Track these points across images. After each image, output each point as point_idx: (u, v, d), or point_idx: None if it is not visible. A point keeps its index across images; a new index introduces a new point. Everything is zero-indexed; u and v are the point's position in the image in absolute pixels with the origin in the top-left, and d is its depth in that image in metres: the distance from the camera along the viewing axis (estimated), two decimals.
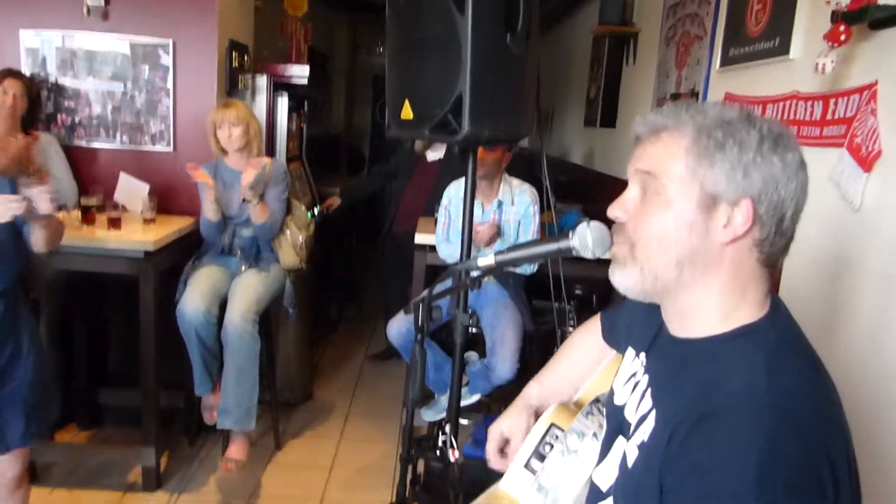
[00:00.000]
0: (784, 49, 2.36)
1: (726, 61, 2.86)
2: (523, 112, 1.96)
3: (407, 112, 1.95)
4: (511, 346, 2.90)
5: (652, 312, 1.07)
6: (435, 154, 4.28)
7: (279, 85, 3.83)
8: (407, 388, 1.68)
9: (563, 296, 2.70)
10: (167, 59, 3.28)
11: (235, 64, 3.51)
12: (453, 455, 2.13)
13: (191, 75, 3.32)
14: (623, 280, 1.00)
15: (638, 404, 1.03)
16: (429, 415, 3.30)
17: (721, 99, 2.84)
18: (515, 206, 3.11)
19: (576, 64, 5.95)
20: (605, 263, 1.05)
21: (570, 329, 3.07)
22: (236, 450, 2.93)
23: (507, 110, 1.89)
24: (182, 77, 3.32)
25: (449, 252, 3.11)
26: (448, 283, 1.55)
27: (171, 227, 3.01)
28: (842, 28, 1.85)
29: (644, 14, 4.26)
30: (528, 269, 3.08)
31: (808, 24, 2.25)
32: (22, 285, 2.15)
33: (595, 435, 1.15)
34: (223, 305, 2.91)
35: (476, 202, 2.53)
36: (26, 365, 2.11)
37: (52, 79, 3.28)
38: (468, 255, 2.18)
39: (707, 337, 0.95)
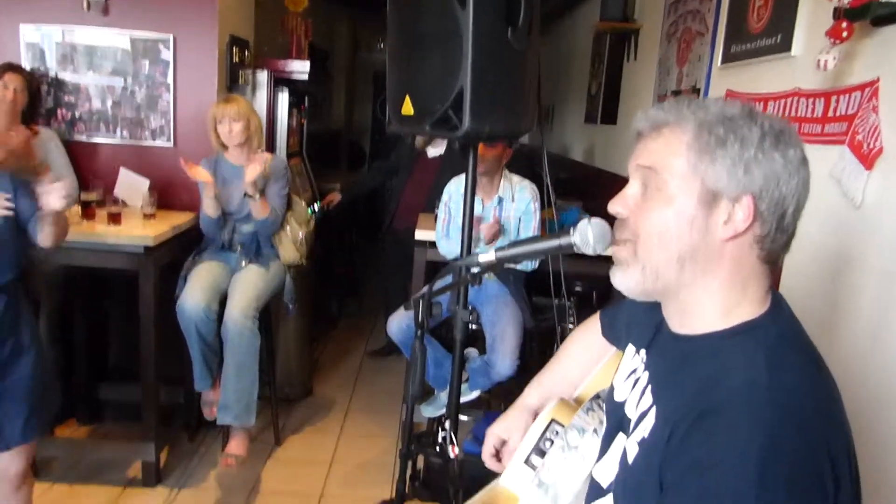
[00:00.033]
0: (786, 46, 2.35)
1: (728, 58, 2.85)
2: (524, 108, 1.96)
3: (408, 108, 1.95)
4: (511, 343, 2.90)
5: (652, 309, 1.07)
6: (435, 150, 4.28)
7: (280, 80, 3.82)
8: (407, 384, 1.69)
9: (563, 292, 2.70)
10: (167, 54, 3.28)
11: (236, 59, 3.51)
12: (453, 451, 2.13)
13: (191, 70, 3.32)
14: (625, 281, 1.00)
15: (638, 401, 1.03)
16: (428, 411, 3.30)
17: (722, 96, 2.84)
18: (516, 203, 3.10)
19: (577, 60, 5.94)
20: (606, 260, 1.05)
21: (571, 326, 3.07)
22: (236, 445, 2.93)
23: (508, 106, 1.89)
24: (182, 72, 3.31)
25: (449, 248, 3.11)
26: (448, 279, 1.55)
27: (171, 223, 3.01)
28: (844, 25, 1.85)
29: (645, 10, 4.25)
30: (530, 265, 3.08)
31: (810, 21, 2.25)
32: (22, 281, 2.15)
33: (595, 431, 1.15)
34: (223, 301, 2.91)
35: (476, 198, 2.52)
36: (27, 361, 2.11)
37: (52, 73, 3.28)
38: (468, 252, 2.18)
39: (708, 333, 0.95)
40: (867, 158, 1.84)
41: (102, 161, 3.35)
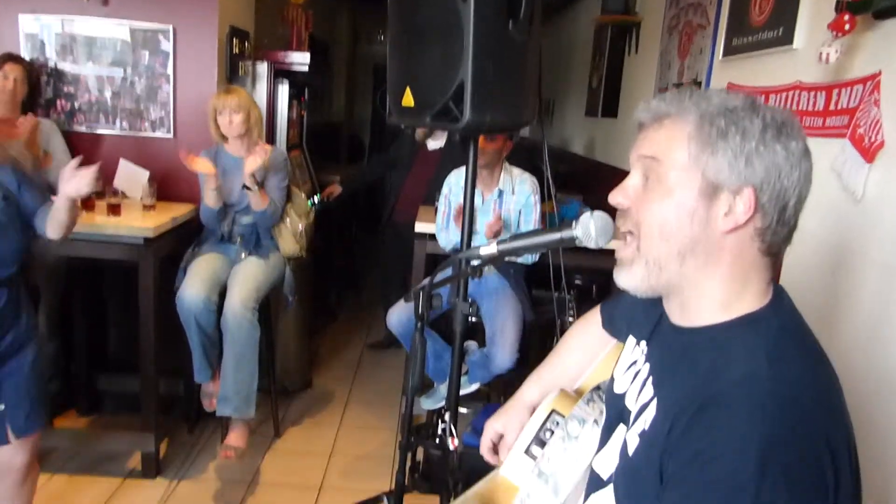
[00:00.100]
0: (788, 39, 2.34)
1: (729, 51, 2.84)
2: (525, 100, 1.95)
3: (408, 99, 1.94)
4: (511, 336, 2.90)
5: (653, 301, 1.06)
6: (435, 143, 4.27)
7: (280, 72, 3.81)
8: (406, 376, 1.69)
9: (563, 286, 2.70)
10: (167, 45, 3.27)
11: (236, 50, 3.49)
12: (452, 443, 2.13)
13: (191, 61, 3.31)
14: (630, 279, 0.99)
15: (639, 393, 1.03)
16: (428, 403, 3.30)
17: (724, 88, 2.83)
18: (516, 196, 3.10)
19: (577, 53, 5.93)
20: (606, 253, 1.04)
21: (570, 319, 3.07)
22: (236, 437, 2.93)
23: (509, 98, 1.88)
24: (182, 63, 3.30)
25: (448, 241, 3.10)
26: (449, 271, 1.55)
27: (170, 214, 3.00)
28: (846, 17, 1.84)
29: (646, 3, 4.24)
30: (530, 258, 3.07)
31: (812, 14, 2.24)
32: (23, 273, 2.15)
33: (596, 422, 1.15)
34: (223, 293, 2.90)
35: (476, 191, 2.52)
36: (27, 353, 2.11)
37: (51, 64, 3.27)
38: (468, 244, 2.18)
39: (709, 326, 0.95)
40: (868, 152, 1.84)
41: (102, 152, 3.33)
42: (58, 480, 2.88)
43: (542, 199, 3.10)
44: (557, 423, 1.20)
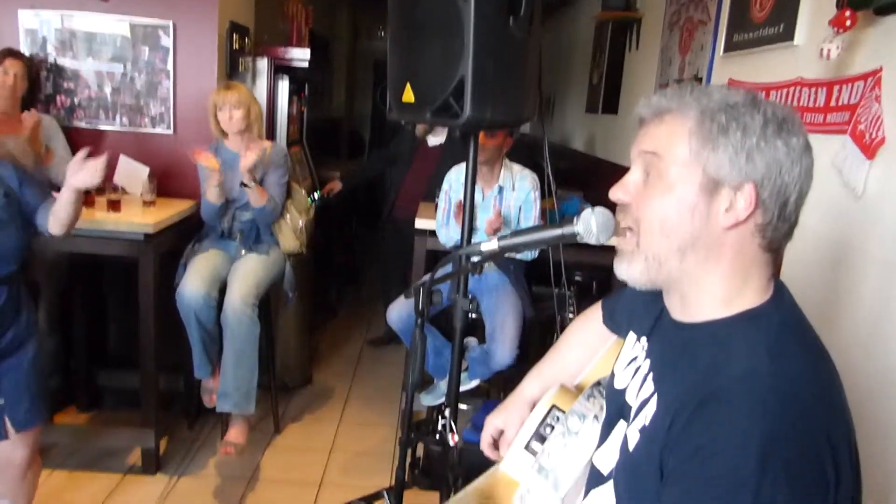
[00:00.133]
0: (789, 35, 2.34)
1: (730, 47, 2.84)
2: (525, 96, 1.95)
3: (409, 95, 1.94)
4: (511, 333, 2.90)
5: (654, 297, 1.06)
6: (436, 139, 4.27)
7: (280, 68, 3.80)
8: (406, 372, 1.69)
9: (563, 282, 2.70)
10: (167, 41, 3.26)
11: (236, 46, 3.49)
12: (452, 439, 2.14)
13: (191, 57, 3.30)
14: (629, 272, 0.99)
15: (639, 388, 1.03)
16: (428, 399, 3.30)
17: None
18: (516, 192, 3.10)
19: (578, 50, 5.92)
20: (606, 250, 1.04)
21: (570, 316, 3.07)
22: (235, 433, 2.93)
23: (510, 94, 1.88)
24: (182, 59, 3.30)
25: (449, 237, 3.10)
26: (449, 267, 1.55)
27: (170, 210, 3.00)
28: (847, 13, 1.84)
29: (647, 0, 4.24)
30: (529, 254, 3.07)
31: (813, 10, 2.24)
32: (24, 270, 2.15)
33: (596, 417, 1.15)
34: (223, 289, 2.90)
35: (476, 187, 2.52)
36: (28, 349, 2.11)
37: (51, 60, 3.26)
38: (469, 241, 2.18)
39: (709, 321, 0.95)
40: (869, 148, 1.83)
41: (102, 148, 3.32)
42: (58, 476, 2.88)
43: (543, 196, 3.10)
44: (557, 419, 1.21)
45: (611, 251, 1.03)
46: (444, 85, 1.79)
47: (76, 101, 3.31)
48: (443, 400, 2.79)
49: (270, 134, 3.72)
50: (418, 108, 1.92)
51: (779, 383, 0.83)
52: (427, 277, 1.53)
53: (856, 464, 0.86)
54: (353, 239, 6.13)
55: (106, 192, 2.88)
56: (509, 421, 1.36)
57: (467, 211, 2.15)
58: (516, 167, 3.15)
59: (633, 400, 1.04)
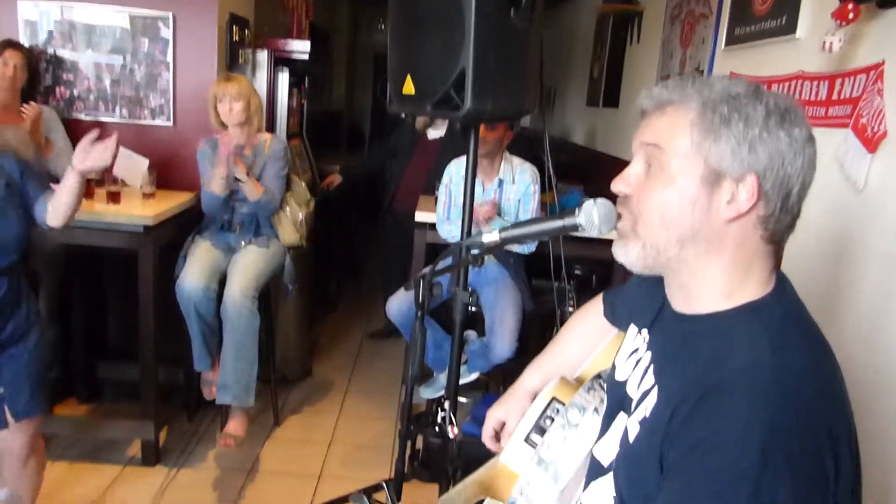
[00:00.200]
0: (791, 28, 2.33)
1: (732, 40, 2.83)
2: (526, 89, 1.94)
3: (409, 88, 1.93)
4: (510, 326, 2.90)
5: (655, 288, 1.06)
6: (436, 132, 4.26)
7: (280, 60, 3.79)
8: (406, 365, 1.69)
9: (562, 275, 2.69)
10: (167, 33, 3.25)
11: (236, 38, 3.48)
12: (452, 432, 2.14)
13: (191, 49, 3.29)
14: (626, 255, 0.99)
15: (640, 380, 1.03)
16: (427, 392, 3.30)
17: None
18: (516, 185, 3.09)
19: (579, 43, 5.91)
20: (606, 243, 1.04)
21: (570, 309, 3.07)
22: (235, 425, 2.93)
23: (510, 86, 1.87)
24: (182, 51, 3.29)
25: (449, 230, 3.10)
26: (449, 260, 1.54)
27: (170, 202, 3.00)
28: (850, 6, 1.83)
29: None
30: (527, 248, 3.07)
31: (815, 3, 2.23)
32: (24, 261, 2.14)
33: (596, 410, 1.15)
34: (223, 281, 2.90)
35: (476, 180, 2.51)
36: (29, 340, 2.11)
37: (50, 51, 3.25)
38: (469, 234, 2.17)
39: (711, 313, 0.95)
40: (871, 142, 1.83)
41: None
42: (58, 468, 2.88)
43: (543, 189, 3.09)
44: (557, 411, 1.20)
45: (611, 245, 1.03)
46: (444, 77, 1.79)
47: (76, 92, 3.30)
48: (442, 393, 2.79)
49: (270, 126, 3.71)
50: (419, 100, 1.91)
51: (781, 376, 0.83)
52: (427, 270, 1.53)
53: (856, 457, 0.86)
54: (353, 232, 6.13)
55: (105, 183, 2.88)
56: (511, 412, 1.35)
57: (467, 204, 2.14)
58: (516, 160, 3.14)
59: (633, 392, 1.03)
